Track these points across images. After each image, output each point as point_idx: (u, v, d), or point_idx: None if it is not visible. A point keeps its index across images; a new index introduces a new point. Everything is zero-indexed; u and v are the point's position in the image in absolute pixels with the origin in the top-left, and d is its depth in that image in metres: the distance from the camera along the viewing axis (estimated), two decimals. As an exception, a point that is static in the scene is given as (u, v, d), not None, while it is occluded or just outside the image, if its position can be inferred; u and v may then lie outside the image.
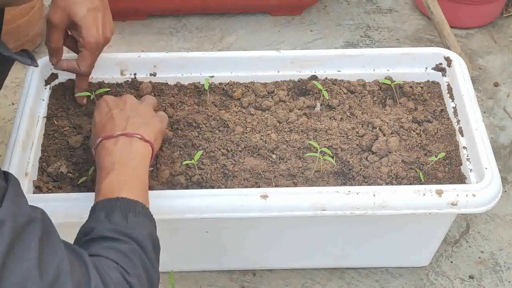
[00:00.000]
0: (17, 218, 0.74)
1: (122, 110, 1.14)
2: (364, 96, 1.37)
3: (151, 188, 1.17)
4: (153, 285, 0.94)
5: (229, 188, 1.20)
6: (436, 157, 1.23)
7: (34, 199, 1.15)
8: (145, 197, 1.03)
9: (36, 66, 1.03)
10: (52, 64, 1.28)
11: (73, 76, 1.34)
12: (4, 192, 0.75)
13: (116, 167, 1.03)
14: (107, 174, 1.02)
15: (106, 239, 0.91)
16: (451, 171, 1.25)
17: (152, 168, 1.20)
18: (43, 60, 1.34)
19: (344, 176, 1.23)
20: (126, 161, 1.05)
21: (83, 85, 1.31)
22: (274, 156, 1.26)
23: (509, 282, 1.42)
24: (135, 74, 1.39)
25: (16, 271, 0.72)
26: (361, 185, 1.21)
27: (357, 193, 1.15)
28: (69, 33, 1.25)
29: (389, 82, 1.37)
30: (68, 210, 1.12)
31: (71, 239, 1.31)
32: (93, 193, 1.14)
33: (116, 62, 1.39)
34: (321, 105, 1.35)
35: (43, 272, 0.74)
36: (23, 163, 1.20)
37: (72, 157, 1.24)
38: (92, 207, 0.99)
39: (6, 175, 0.79)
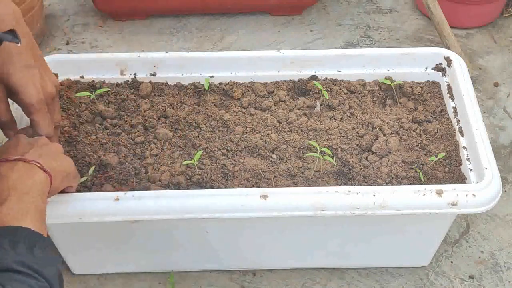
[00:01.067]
0: None
1: (30, 142, 1.05)
2: (364, 96, 1.37)
3: (150, 188, 1.18)
4: None
5: (229, 188, 1.20)
6: (436, 157, 1.23)
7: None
8: (45, 231, 0.96)
9: (17, 43, 0.94)
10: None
11: (72, 74, 1.33)
12: None
13: (13, 193, 0.95)
14: (3, 200, 0.93)
15: (14, 272, 0.86)
16: (451, 171, 1.25)
17: None
18: (46, 58, 1.33)
19: (344, 176, 1.23)
20: (24, 189, 0.96)
21: (12, 134, 1.12)
22: (274, 156, 1.26)
23: (509, 282, 1.42)
24: (135, 74, 1.39)
25: None
26: (361, 185, 1.21)
27: (357, 193, 1.15)
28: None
29: (389, 82, 1.37)
30: (68, 210, 1.12)
31: (70, 239, 1.31)
32: (94, 193, 1.14)
33: (116, 62, 1.39)
34: (321, 105, 1.35)
35: None
36: (23, 163, 1.20)
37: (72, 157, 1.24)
38: None
39: None
